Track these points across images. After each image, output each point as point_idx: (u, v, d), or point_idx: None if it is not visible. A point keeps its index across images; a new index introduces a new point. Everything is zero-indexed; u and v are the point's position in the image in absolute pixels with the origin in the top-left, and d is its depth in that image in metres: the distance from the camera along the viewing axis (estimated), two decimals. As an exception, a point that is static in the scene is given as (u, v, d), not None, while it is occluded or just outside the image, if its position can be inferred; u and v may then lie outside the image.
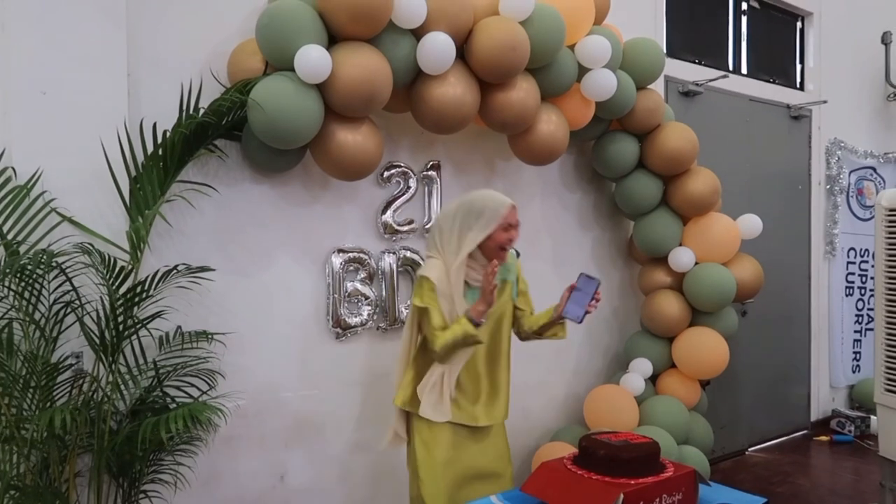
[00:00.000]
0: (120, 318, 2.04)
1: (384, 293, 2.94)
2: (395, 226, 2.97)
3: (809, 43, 5.08)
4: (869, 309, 5.32)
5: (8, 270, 1.90)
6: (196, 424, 2.05)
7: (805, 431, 4.96)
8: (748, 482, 3.91)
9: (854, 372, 5.31)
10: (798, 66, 5.12)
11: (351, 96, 2.33)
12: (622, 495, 1.61)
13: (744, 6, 4.72)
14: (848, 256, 5.25)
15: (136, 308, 2.09)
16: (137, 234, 2.08)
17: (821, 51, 5.07)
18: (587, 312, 2.22)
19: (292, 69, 2.27)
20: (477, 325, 2.12)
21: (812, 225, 5.02)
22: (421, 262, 3.02)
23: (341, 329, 2.83)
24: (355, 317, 2.86)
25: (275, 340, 2.68)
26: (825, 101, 4.92)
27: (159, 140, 2.18)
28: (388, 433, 2.38)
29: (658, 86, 3.71)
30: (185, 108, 2.20)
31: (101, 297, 2.10)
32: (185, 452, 2.25)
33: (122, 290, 2.06)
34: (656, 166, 3.40)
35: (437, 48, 2.46)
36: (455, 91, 2.58)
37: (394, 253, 2.96)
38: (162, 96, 2.33)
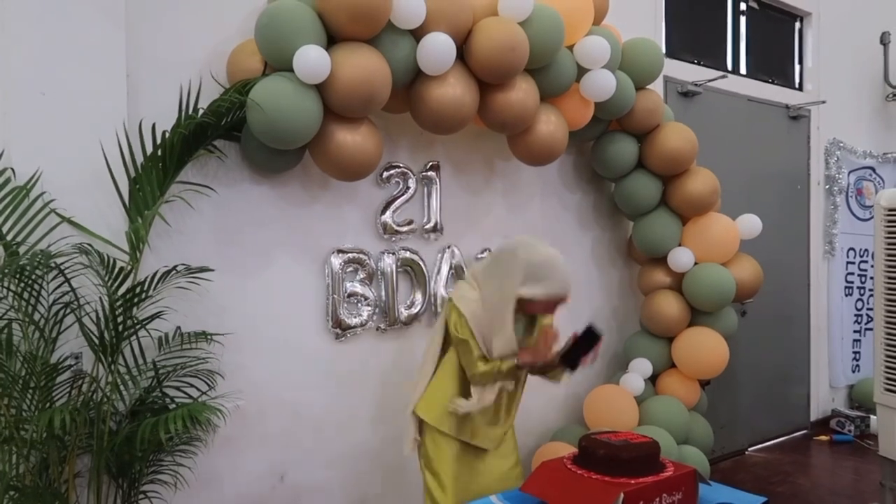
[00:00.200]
0: (119, 319, 2.04)
1: (383, 294, 2.94)
2: (394, 226, 2.97)
3: (808, 43, 5.09)
4: (868, 309, 5.32)
5: (7, 271, 1.90)
6: (195, 425, 2.05)
7: (805, 431, 4.96)
8: (748, 482, 3.91)
9: (854, 372, 5.31)
10: (797, 67, 5.13)
11: (350, 97, 2.33)
12: (622, 495, 1.61)
13: (742, 6, 4.72)
14: (847, 256, 5.26)
15: (135, 308, 2.09)
16: (137, 234, 2.08)
17: (819, 51, 5.08)
18: (582, 364, 2.23)
19: (291, 70, 2.27)
20: (521, 367, 2.23)
21: (811, 225, 5.03)
22: (421, 262, 3.02)
23: (341, 329, 2.83)
24: (355, 317, 2.86)
25: (274, 341, 2.68)
26: (824, 102, 4.92)
27: (158, 140, 2.18)
28: (409, 441, 2.41)
29: (657, 86, 3.72)
30: (184, 108, 2.20)
31: (100, 298, 2.10)
32: (185, 453, 2.25)
33: (122, 290, 2.06)
34: (655, 166, 3.40)
35: (438, 48, 2.46)
36: (454, 91, 2.58)
37: (393, 253, 2.96)
38: (161, 97, 2.33)
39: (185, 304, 2.41)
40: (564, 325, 2.38)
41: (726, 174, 3.76)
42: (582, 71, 2.98)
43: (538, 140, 2.94)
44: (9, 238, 2.02)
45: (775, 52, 4.97)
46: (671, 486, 1.71)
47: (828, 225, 5.11)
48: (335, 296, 2.80)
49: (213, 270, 2.39)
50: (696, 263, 3.46)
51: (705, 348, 3.41)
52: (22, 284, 1.96)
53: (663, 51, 3.87)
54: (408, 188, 3.02)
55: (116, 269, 2.04)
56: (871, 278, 5.05)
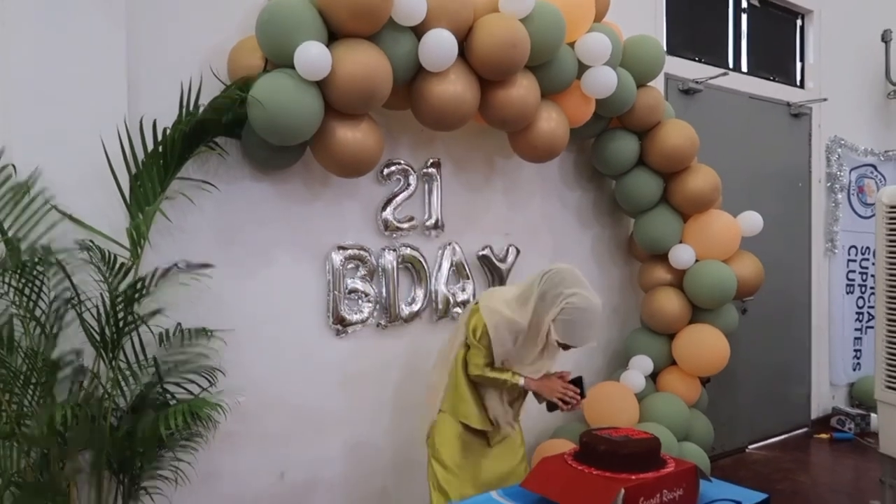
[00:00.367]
0: (120, 315, 2.04)
1: (384, 290, 2.94)
2: (395, 223, 2.97)
3: (809, 40, 5.08)
4: (870, 307, 5.32)
5: (8, 267, 1.90)
6: (196, 421, 2.05)
7: (805, 429, 4.96)
8: (748, 479, 3.91)
9: (854, 370, 5.31)
10: (798, 64, 5.12)
11: (351, 93, 2.33)
12: (623, 490, 1.61)
13: (744, 4, 4.71)
14: (849, 254, 5.25)
15: (136, 305, 2.09)
16: (138, 230, 2.08)
17: (821, 48, 5.07)
18: (559, 409, 2.38)
19: (292, 66, 2.27)
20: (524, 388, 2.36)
21: (812, 222, 5.02)
22: (422, 259, 3.02)
23: (341, 326, 2.83)
24: (355, 314, 2.86)
25: (275, 337, 2.68)
26: (825, 99, 4.91)
27: (159, 137, 2.17)
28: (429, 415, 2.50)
29: (658, 83, 3.71)
30: (185, 105, 2.20)
31: (101, 294, 2.10)
32: (186, 449, 2.25)
33: (123, 286, 2.06)
34: (656, 164, 3.40)
35: (440, 45, 2.46)
36: (455, 88, 2.58)
37: (394, 250, 2.96)
38: (162, 94, 2.33)
39: (185, 301, 2.41)
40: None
41: (727, 171, 3.75)
42: (583, 68, 2.97)
43: (539, 137, 2.93)
44: (10, 234, 2.02)
45: (776, 50, 4.97)
46: (672, 482, 1.71)
47: (829, 222, 5.10)
48: (336, 292, 2.80)
49: (213, 267, 2.39)
50: (696, 261, 3.46)
51: (706, 346, 3.41)
52: (23, 280, 1.96)
53: (664, 48, 3.86)
54: (408, 185, 3.02)
55: (117, 266, 2.04)
56: (873, 276, 5.04)
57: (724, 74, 4.22)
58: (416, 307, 3.02)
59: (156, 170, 2.18)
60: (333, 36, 2.39)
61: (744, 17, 4.72)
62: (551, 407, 2.37)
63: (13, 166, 2.06)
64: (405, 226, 3.00)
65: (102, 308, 2.07)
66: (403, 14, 2.41)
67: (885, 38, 5.32)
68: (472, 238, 3.24)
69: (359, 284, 2.87)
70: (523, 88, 2.74)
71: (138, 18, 2.35)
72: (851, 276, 5.29)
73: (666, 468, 1.74)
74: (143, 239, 2.11)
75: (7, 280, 1.96)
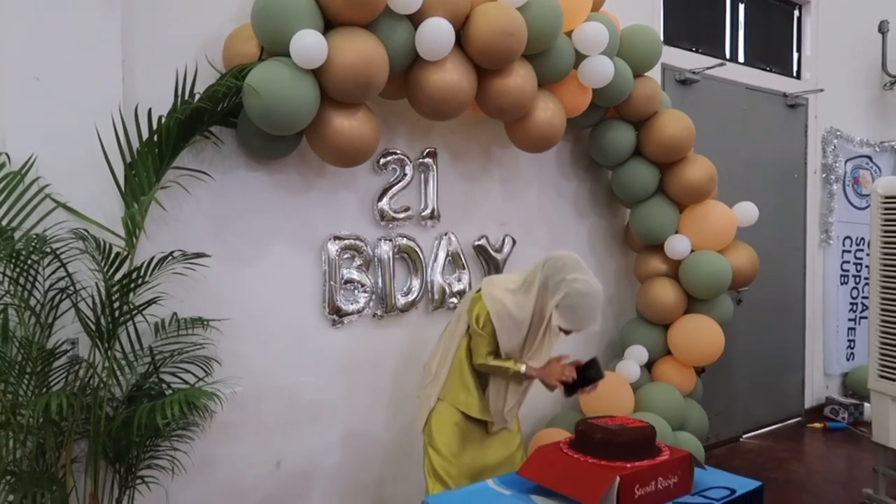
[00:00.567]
0: (115, 305, 2.03)
1: (380, 280, 2.93)
2: (391, 213, 2.96)
3: (806, 31, 5.07)
4: (863, 297, 5.34)
5: (2, 256, 1.89)
6: (192, 410, 2.05)
7: (799, 419, 4.99)
8: (743, 468, 3.94)
9: (848, 360, 5.34)
10: (795, 55, 5.11)
11: (347, 82, 2.32)
12: (618, 478, 1.62)
13: (741, -6, 4.70)
14: (843, 245, 5.27)
15: (131, 294, 2.08)
16: (133, 220, 2.07)
17: (818, 39, 5.06)
18: (579, 393, 2.40)
19: (288, 55, 2.26)
20: (526, 377, 2.36)
21: (808, 213, 5.03)
22: (418, 249, 3.02)
23: (337, 316, 2.83)
24: (351, 304, 2.86)
25: (271, 327, 2.68)
26: (822, 90, 4.91)
27: (154, 126, 2.16)
28: (424, 412, 2.49)
29: (655, 73, 3.70)
30: (180, 93, 2.19)
31: (96, 283, 2.10)
32: (182, 438, 2.26)
33: (118, 276, 2.05)
34: (653, 154, 3.40)
35: (436, 34, 2.44)
36: (452, 77, 2.57)
37: (390, 240, 2.96)
38: (157, 82, 2.32)
39: (181, 290, 2.41)
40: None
41: (723, 162, 3.76)
42: (580, 57, 2.97)
43: (536, 126, 2.93)
44: (3, 223, 2.01)
45: (773, 41, 4.96)
46: (667, 469, 1.72)
47: (824, 213, 5.12)
48: (332, 282, 2.80)
49: (209, 256, 2.38)
50: (692, 251, 3.46)
51: (701, 336, 3.42)
52: (17, 269, 1.95)
53: (661, 38, 3.85)
54: (405, 175, 3.01)
55: (112, 255, 2.03)
56: (867, 267, 5.07)
57: (721, 65, 4.21)
58: (411, 297, 3.02)
59: (151, 159, 2.16)
60: (329, 24, 2.38)
61: (741, 7, 4.71)
62: (570, 391, 2.36)
63: (7, 155, 2.05)
64: (401, 216, 2.99)
65: (98, 297, 2.07)
66: (400, 2, 2.40)
67: (882, 28, 5.31)
68: (469, 228, 3.24)
69: (355, 274, 2.86)
70: (520, 77, 2.73)
71: (133, 6, 2.34)
72: (846, 266, 5.31)
73: (661, 456, 1.75)
74: (138, 228, 2.10)
75: (1, 269, 1.95)
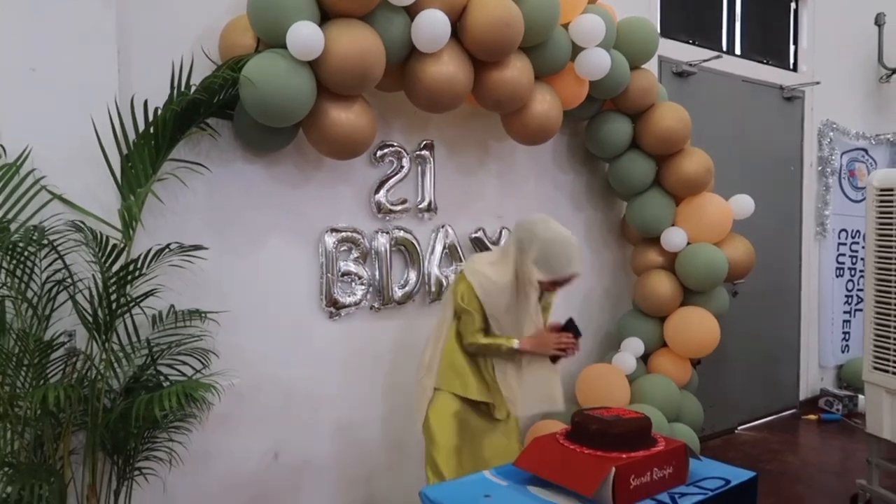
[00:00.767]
0: (113, 297, 2.03)
1: (377, 273, 2.94)
2: (388, 205, 2.96)
3: (803, 24, 5.07)
4: (859, 290, 5.37)
5: (-1, 248, 1.89)
6: (190, 402, 2.06)
7: (794, 410, 5.02)
8: (738, 460, 3.96)
9: (843, 352, 5.37)
10: (792, 48, 5.11)
11: (344, 74, 2.32)
12: (614, 469, 1.62)
13: (738, -14, 4.69)
14: (839, 238, 5.28)
15: (128, 286, 2.08)
16: (130, 212, 2.07)
17: (814, 32, 5.06)
18: (562, 356, 2.38)
19: (284, 46, 2.25)
20: (519, 352, 2.34)
21: (804, 206, 5.04)
22: (415, 242, 3.02)
23: (335, 308, 2.83)
24: (348, 296, 2.86)
25: (268, 319, 2.69)
26: (818, 83, 4.92)
27: (150, 118, 2.16)
28: (423, 404, 2.48)
29: (652, 66, 3.70)
30: (176, 85, 2.18)
31: (93, 276, 2.10)
32: (179, 430, 2.27)
33: (115, 268, 2.05)
34: (649, 146, 3.40)
35: (432, 25, 2.44)
36: (448, 69, 2.56)
37: (387, 233, 2.96)
38: (153, 73, 2.31)
39: (178, 283, 2.41)
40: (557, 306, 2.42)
41: (720, 155, 3.76)
42: (577, 49, 2.96)
43: (532, 119, 2.93)
44: None
45: (770, 33, 4.95)
46: (662, 460, 1.73)
47: (820, 206, 5.13)
48: (329, 275, 2.80)
49: (206, 248, 2.38)
50: (688, 243, 3.47)
51: (697, 328, 3.44)
52: (14, 261, 1.95)
53: (658, 30, 3.85)
54: (402, 167, 3.01)
55: (109, 247, 2.03)
56: (862, 259, 5.08)
57: (718, 57, 4.21)
58: (408, 289, 3.02)
59: (147, 150, 2.16)
60: (326, 16, 2.37)
61: (738, -1, 4.70)
62: (554, 359, 2.38)
63: (2, 146, 2.04)
64: (398, 208, 2.99)
65: (95, 290, 2.07)
66: (396, -6, 2.39)
67: (879, 21, 5.31)
68: (465, 221, 3.24)
69: (352, 267, 2.87)
70: (517, 70, 2.73)
71: (128, -3, 2.33)
72: (841, 259, 5.33)
73: (656, 447, 1.76)
74: (135, 220, 2.10)
75: (-2, 261, 1.95)
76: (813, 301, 5.17)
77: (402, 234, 3.00)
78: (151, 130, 2.16)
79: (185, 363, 2.30)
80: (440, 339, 2.46)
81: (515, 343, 2.32)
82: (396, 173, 2.99)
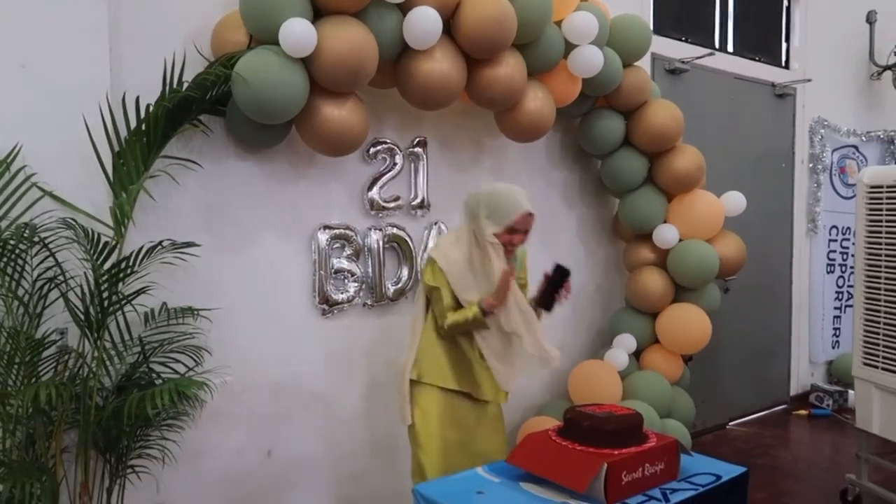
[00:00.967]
0: (104, 294, 2.02)
1: (370, 270, 2.94)
2: (381, 202, 2.96)
3: (795, 21, 5.09)
4: (849, 286, 5.40)
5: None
6: (182, 400, 2.05)
7: (784, 406, 5.05)
8: (729, 455, 3.99)
9: (833, 348, 5.40)
10: (783, 45, 5.13)
11: (336, 70, 2.31)
12: (606, 465, 1.64)
13: (730, -17, 4.70)
14: (830, 234, 5.31)
15: (120, 284, 2.07)
16: (121, 209, 2.07)
17: (806, 29, 5.08)
18: (556, 302, 2.33)
19: (277, 43, 2.25)
20: (487, 314, 2.28)
21: (795, 203, 5.07)
22: (408, 239, 3.03)
23: (328, 305, 2.83)
24: (341, 293, 2.86)
25: (261, 317, 2.68)
26: (810, 80, 4.94)
27: (142, 114, 2.15)
28: (405, 409, 2.45)
29: (644, 63, 3.70)
30: (168, 81, 2.17)
31: (85, 273, 2.09)
32: (172, 428, 2.26)
33: (107, 265, 2.04)
34: (642, 143, 3.41)
35: (425, 22, 2.43)
36: (441, 66, 2.56)
37: (380, 229, 2.96)
38: (144, 70, 2.30)
39: (171, 280, 2.40)
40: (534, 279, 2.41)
41: (712, 152, 3.78)
42: (570, 47, 2.97)
43: (525, 116, 2.93)
44: (-10, 212, 1.99)
45: (762, 31, 4.97)
46: (653, 456, 1.74)
47: (811, 203, 5.16)
48: (322, 272, 2.80)
49: (199, 245, 2.38)
50: (680, 240, 3.49)
51: (688, 324, 3.45)
52: (5, 259, 1.94)
53: (651, 27, 3.86)
54: (395, 164, 3.01)
55: (101, 244, 2.02)
56: (853, 256, 5.12)
57: (711, 54, 4.22)
58: (401, 286, 3.03)
59: (139, 147, 2.15)
60: (318, 13, 2.36)
61: (730, -4, 4.71)
62: (547, 303, 2.32)
63: (-7, 143, 2.03)
64: (391, 205, 2.99)
65: (87, 287, 2.06)
66: (389, -10, 2.39)
67: (870, 19, 5.34)
68: (458, 217, 3.23)
69: (345, 264, 2.87)
70: (510, 67, 2.73)
71: (119, -7, 2.31)
72: (832, 255, 5.36)
73: (648, 443, 1.77)
74: (126, 217, 2.09)
75: (-12, 259, 1.94)
76: (804, 297, 5.20)
77: (395, 230, 3.00)
78: (143, 127, 2.15)
79: (177, 361, 2.29)
80: (416, 333, 2.45)
81: (476, 307, 2.27)
82: (389, 170, 2.99)
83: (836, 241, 5.36)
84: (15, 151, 2.04)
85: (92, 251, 2.02)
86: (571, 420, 1.83)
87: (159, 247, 2.21)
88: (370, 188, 2.95)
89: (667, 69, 4.11)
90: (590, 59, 2.97)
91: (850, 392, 4.75)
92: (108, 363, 2.11)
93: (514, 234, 2.31)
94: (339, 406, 2.92)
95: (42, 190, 2.08)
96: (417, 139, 3.08)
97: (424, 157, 3.09)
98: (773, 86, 4.84)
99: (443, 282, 2.32)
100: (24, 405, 1.94)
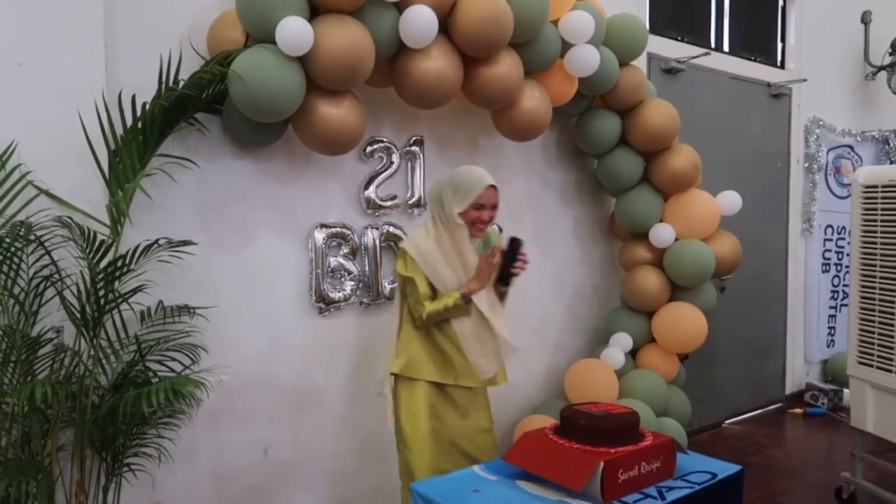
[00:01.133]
0: (101, 293, 2.02)
1: (367, 268, 2.94)
2: (378, 201, 2.96)
3: (791, 21, 5.11)
4: (844, 285, 5.42)
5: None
6: (178, 398, 2.05)
7: (780, 404, 5.07)
8: (724, 453, 4.00)
9: (829, 346, 5.42)
10: (779, 45, 5.14)
11: (333, 69, 2.31)
12: (602, 463, 1.64)
13: (726, -17, 4.71)
14: (825, 234, 5.33)
15: (116, 282, 2.07)
16: (118, 207, 2.06)
17: (802, 29, 5.10)
18: (513, 275, 2.32)
19: (273, 41, 2.24)
20: (467, 300, 2.26)
21: (790, 202, 5.09)
22: (404, 237, 3.03)
23: (324, 304, 2.83)
24: (338, 292, 2.86)
25: (258, 315, 2.68)
26: (805, 80, 4.95)
27: (138, 113, 2.14)
28: (388, 410, 2.46)
29: (640, 62, 3.72)
30: (164, 80, 2.17)
31: (81, 271, 2.08)
32: (168, 426, 2.26)
33: (103, 264, 2.04)
34: (638, 143, 3.42)
35: (420, 21, 2.43)
36: (438, 65, 2.56)
37: (377, 228, 2.96)
38: (141, 68, 2.29)
39: (167, 278, 2.40)
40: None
41: (708, 151, 3.78)
42: (566, 46, 2.97)
43: (522, 115, 2.93)
44: (-15, 211, 1.99)
45: (758, 30, 4.98)
46: (650, 454, 1.75)
47: (806, 202, 5.17)
48: (318, 270, 2.80)
49: (195, 244, 2.37)
50: (676, 239, 3.50)
51: (684, 323, 3.46)
52: (0, 257, 1.93)
53: (647, 27, 3.86)
54: (391, 163, 3.01)
55: (97, 243, 2.02)
56: (848, 255, 5.14)
57: (706, 54, 4.23)
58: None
59: (135, 146, 2.14)
60: (315, 11, 2.36)
61: (726, -4, 4.73)
62: (503, 279, 2.32)
63: (-12, 141, 2.02)
64: (388, 204, 2.99)
65: (83, 285, 2.05)
66: (386, -11, 2.39)
67: (865, 19, 5.35)
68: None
69: (342, 262, 2.87)
70: (506, 66, 2.74)
71: (115, -9, 2.31)
72: (827, 255, 5.38)
73: (644, 442, 1.78)
74: (122, 216, 2.09)
75: (-16, 257, 1.94)
76: (799, 296, 5.22)
77: (391, 229, 3.00)
78: (139, 125, 2.14)
79: (173, 359, 2.29)
80: (395, 331, 2.47)
81: (458, 295, 2.28)
82: (386, 169, 2.99)
83: (831, 240, 5.38)
84: (10, 149, 2.03)
85: (88, 249, 2.01)
86: (568, 418, 1.83)
87: (156, 245, 2.20)
88: (367, 187, 2.95)
89: (663, 69, 4.12)
90: (586, 59, 2.97)
91: (845, 391, 4.77)
92: (104, 361, 2.11)
93: (482, 210, 2.33)
94: (336, 404, 2.92)
95: (38, 188, 2.08)
96: (414, 138, 3.08)
97: (421, 155, 3.09)
98: (768, 85, 4.85)
99: (416, 271, 2.33)
100: (19, 403, 1.94)
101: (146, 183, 2.29)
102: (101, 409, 2.02)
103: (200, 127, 2.47)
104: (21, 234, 1.93)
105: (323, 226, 2.82)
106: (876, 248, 2.97)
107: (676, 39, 4.31)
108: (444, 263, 2.33)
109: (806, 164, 5.15)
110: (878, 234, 2.96)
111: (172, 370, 2.27)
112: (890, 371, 2.92)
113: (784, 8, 5.12)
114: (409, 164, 3.08)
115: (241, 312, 2.63)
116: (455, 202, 2.31)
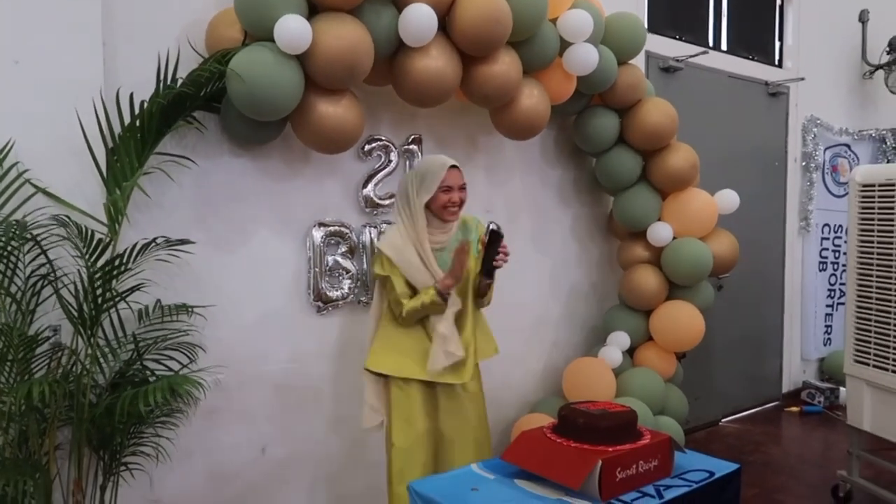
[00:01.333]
0: (98, 291, 2.02)
1: (365, 267, 2.94)
2: (375, 199, 2.96)
3: (788, 20, 5.11)
4: (841, 284, 5.43)
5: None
6: (176, 397, 2.05)
7: (776, 403, 5.08)
8: (721, 451, 4.01)
9: (825, 345, 5.44)
10: (777, 44, 5.15)
11: (332, 67, 2.31)
12: (600, 462, 1.64)
13: (724, -18, 4.72)
14: (822, 232, 5.34)
15: (114, 281, 2.07)
16: (115, 206, 2.06)
17: (799, 28, 5.10)
18: (495, 267, 2.34)
19: (272, 40, 2.24)
20: (444, 296, 2.30)
21: (788, 201, 5.09)
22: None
23: (322, 303, 2.83)
24: (336, 290, 2.86)
25: (255, 314, 2.68)
26: (803, 79, 4.96)
27: (136, 111, 2.14)
28: (364, 410, 2.48)
29: (639, 61, 3.72)
30: (162, 78, 2.16)
31: (78, 270, 2.08)
32: (166, 425, 2.26)
33: (100, 262, 2.04)
34: (636, 141, 3.42)
35: (419, 19, 2.43)
36: (437, 64, 2.56)
37: (375, 227, 2.96)
38: (138, 66, 2.29)
39: (165, 277, 2.40)
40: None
41: (706, 150, 3.79)
42: (565, 45, 2.97)
43: (521, 114, 2.93)
44: (-18, 209, 1.98)
45: (756, 29, 4.99)
46: (647, 453, 1.75)
47: (804, 201, 5.18)
48: (317, 269, 2.80)
49: (193, 243, 2.37)
50: (674, 238, 3.50)
51: (682, 322, 3.47)
52: (-3, 256, 1.93)
53: (646, 25, 3.86)
54: (389, 162, 3.00)
55: (95, 241, 2.01)
56: (845, 254, 5.15)
57: (705, 53, 4.23)
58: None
59: (133, 144, 2.14)
60: (314, 9, 2.36)
61: (724, -5, 4.73)
62: (487, 271, 2.33)
63: (-15, 140, 2.01)
64: (386, 202, 2.99)
65: (80, 284, 2.05)
66: (385, -13, 2.38)
67: (862, 18, 5.36)
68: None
69: (339, 261, 2.86)
70: (505, 65, 2.73)
71: (113, -12, 2.30)
72: (824, 253, 5.39)
73: (642, 440, 1.78)
74: (120, 214, 2.08)
75: (-19, 256, 1.93)
76: (796, 295, 5.23)
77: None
78: (137, 124, 2.14)
79: (171, 358, 2.29)
80: (372, 324, 2.50)
81: (433, 291, 2.30)
82: (384, 167, 2.99)
83: (828, 239, 5.39)
84: (8, 148, 2.03)
85: (85, 248, 2.01)
86: (566, 417, 1.83)
87: (153, 244, 2.20)
88: (365, 185, 2.94)
89: (661, 67, 4.12)
90: (585, 57, 2.97)
91: (842, 389, 4.78)
92: (101, 360, 2.11)
93: (451, 192, 2.36)
94: (334, 403, 2.92)
95: (35, 186, 2.07)
96: (412, 136, 3.08)
97: (419, 154, 3.09)
98: (766, 84, 4.86)
99: (392, 270, 2.36)
100: (17, 402, 1.93)
101: (144, 181, 2.28)
102: (99, 408, 2.02)
103: (198, 125, 2.46)
104: (17, 232, 1.93)
105: (321, 224, 2.82)
106: (872, 247, 2.98)
107: (675, 38, 4.32)
108: (419, 262, 2.36)
109: (803, 163, 5.16)
110: (875, 233, 2.97)
111: (170, 369, 2.27)
112: (886, 369, 2.93)
113: (782, 7, 5.12)
114: (408, 162, 3.08)
115: (239, 311, 2.63)
116: (422, 191, 2.34)
